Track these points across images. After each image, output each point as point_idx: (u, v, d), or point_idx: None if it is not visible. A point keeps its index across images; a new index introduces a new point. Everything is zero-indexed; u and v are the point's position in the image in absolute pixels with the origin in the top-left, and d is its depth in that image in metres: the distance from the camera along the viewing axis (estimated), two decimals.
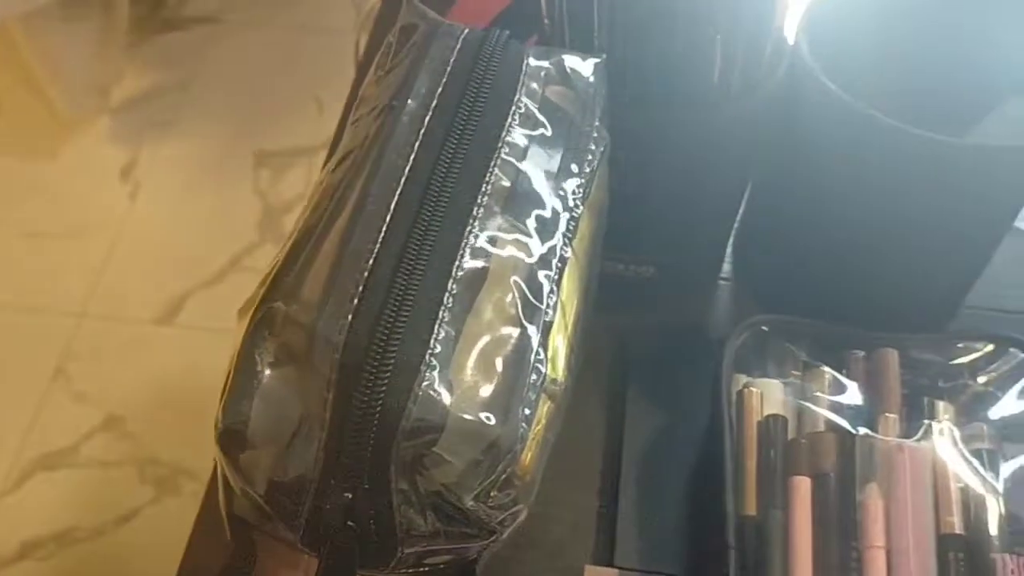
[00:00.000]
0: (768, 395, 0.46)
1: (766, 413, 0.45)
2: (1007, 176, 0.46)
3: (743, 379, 0.47)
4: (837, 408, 0.45)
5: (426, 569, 0.35)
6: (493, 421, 0.30)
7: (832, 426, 0.44)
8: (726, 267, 0.60)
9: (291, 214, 1.50)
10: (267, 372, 0.30)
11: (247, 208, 1.51)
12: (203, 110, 1.64)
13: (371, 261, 0.31)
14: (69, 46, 1.54)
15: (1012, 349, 0.47)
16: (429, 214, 0.32)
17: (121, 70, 1.65)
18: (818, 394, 0.46)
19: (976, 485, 0.42)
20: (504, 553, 0.47)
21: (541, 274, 0.34)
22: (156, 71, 1.69)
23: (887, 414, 0.44)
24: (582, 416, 0.53)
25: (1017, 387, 0.46)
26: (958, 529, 0.40)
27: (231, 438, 0.30)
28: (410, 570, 0.34)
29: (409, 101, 0.34)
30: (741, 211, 0.57)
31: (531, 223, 0.34)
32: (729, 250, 0.60)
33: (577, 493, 0.51)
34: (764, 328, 0.48)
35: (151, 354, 1.37)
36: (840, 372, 0.47)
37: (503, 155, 0.35)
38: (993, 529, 0.40)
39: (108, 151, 1.59)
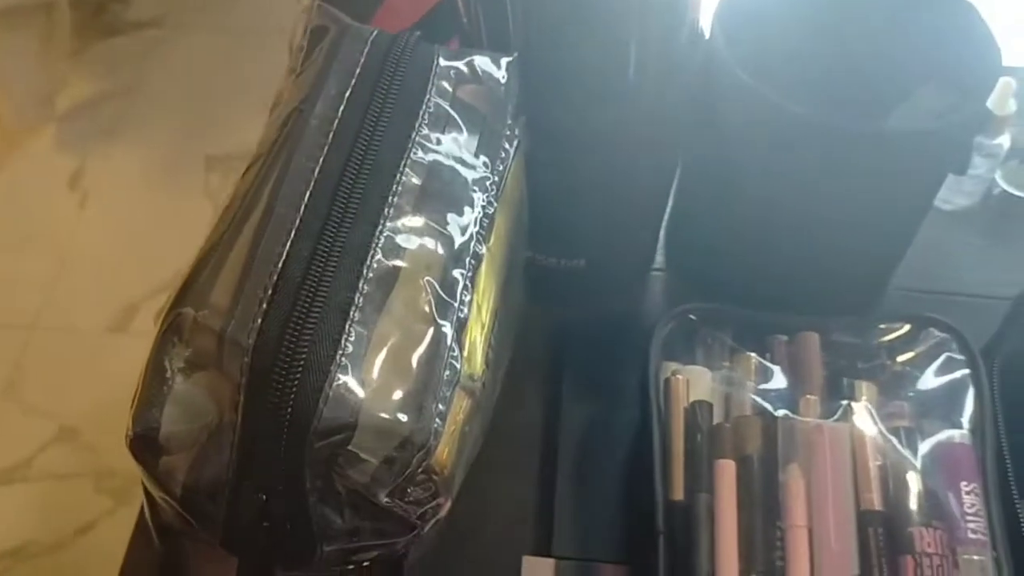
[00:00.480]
0: (695, 382, 0.47)
1: (692, 399, 0.46)
2: (917, 160, 0.48)
3: (672, 366, 0.48)
4: (762, 392, 0.46)
5: (352, 567, 0.35)
6: (406, 418, 0.31)
7: (758, 410, 0.45)
8: (659, 258, 0.61)
9: None
10: (178, 378, 0.30)
11: (198, 212, 1.50)
12: (150, 115, 1.62)
13: (280, 264, 0.31)
14: (11, 55, 1.52)
15: (930, 329, 0.48)
16: (339, 216, 0.33)
17: (65, 77, 1.63)
18: (744, 379, 0.47)
19: (894, 462, 0.43)
20: (443, 546, 0.47)
21: (454, 271, 0.34)
22: (101, 77, 1.67)
23: (808, 396, 0.45)
24: (519, 409, 0.54)
25: (935, 365, 0.47)
26: (877, 505, 0.41)
27: (143, 445, 0.30)
28: (336, 568, 0.35)
29: (318, 104, 0.35)
30: (671, 203, 0.58)
31: (443, 221, 0.35)
32: (662, 241, 0.61)
33: (515, 485, 0.52)
34: (692, 316, 0.49)
35: (105, 363, 1.35)
36: (765, 356, 0.48)
37: (414, 155, 0.35)
38: (911, 504, 0.42)
39: (55, 160, 1.56)
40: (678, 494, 0.43)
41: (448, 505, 0.35)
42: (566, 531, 0.49)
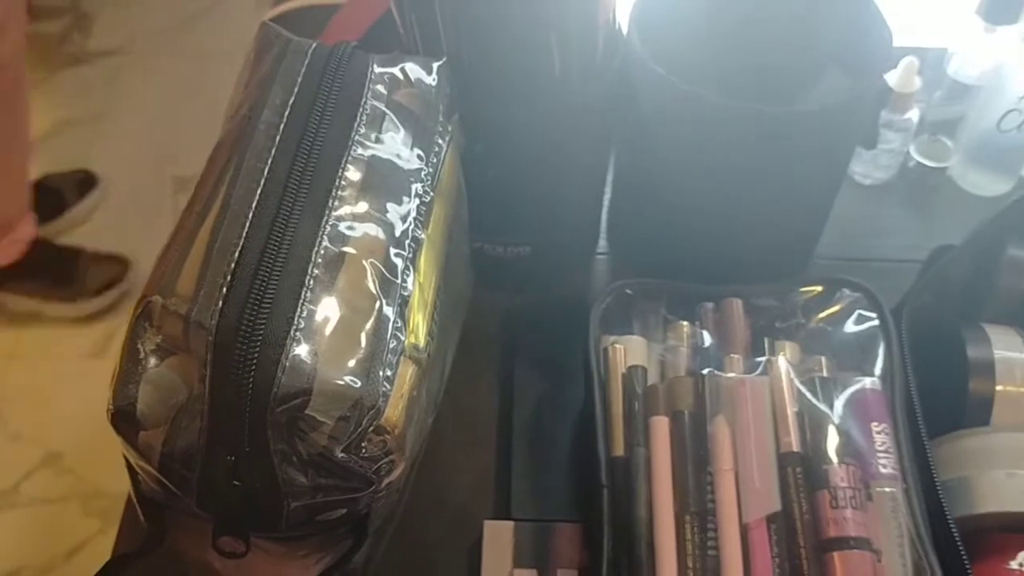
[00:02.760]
0: (632, 350, 0.51)
1: (629, 364, 0.50)
2: (823, 136, 0.52)
3: (611, 338, 0.52)
4: (693, 355, 0.51)
5: (320, 525, 0.39)
6: (357, 383, 0.35)
7: (690, 371, 0.50)
8: (603, 243, 0.65)
9: None
10: (151, 360, 0.34)
11: (169, 234, 1.53)
12: (117, 141, 1.65)
13: (237, 254, 0.35)
14: None
15: (843, 289, 0.52)
16: (288, 209, 0.37)
17: (30, 107, 1.66)
18: (678, 345, 0.51)
19: (810, 409, 0.47)
20: (412, 516, 0.51)
21: (396, 255, 0.38)
22: (66, 106, 1.70)
23: (732, 355, 0.50)
24: (477, 388, 0.58)
25: (848, 322, 0.52)
26: (795, 447, 0.46)
27: (123, 418, 0.34)
28: (303, 527, 0.38)
29: (264, 111, 0.39)
30: (610, 190, 0.63)
31: (384, 210, 0.39)
32: (604, 227, 0.65)
33: (476, 458, 0.56)
34: (628, 291, 0.54)
35: (86, 388, 1.37)
36: (695, 323, 0.52)
37: (354, 152, 0.39)
38: (826, 445, 0.46)
39: None
40: (619, 450, 0.47)
41: (403, 465, 0.39)
42: (523, 496, 0.53)
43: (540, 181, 0.55)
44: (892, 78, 0.62)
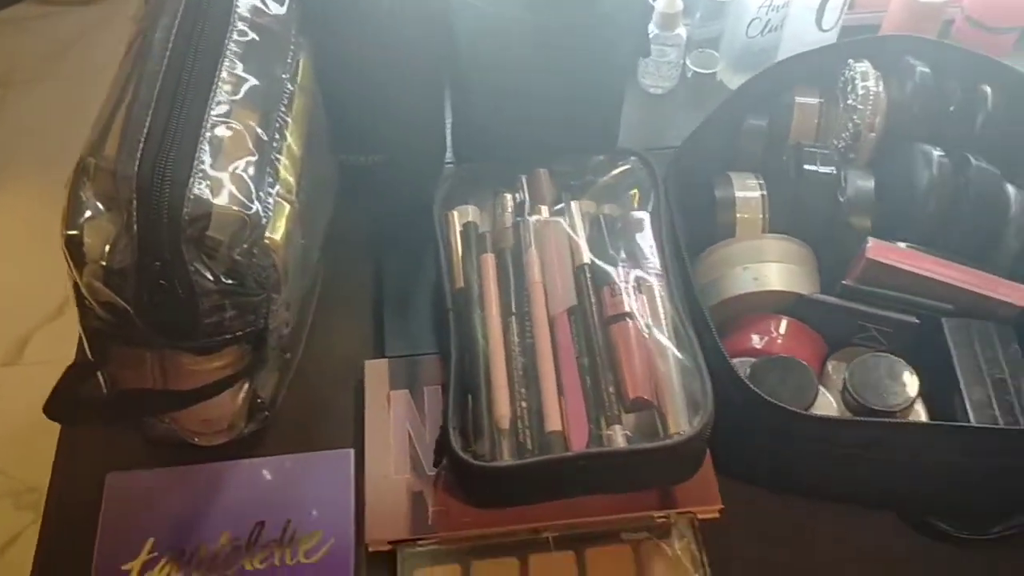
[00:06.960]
0: (465, 214, 0.66)
1: (463, 222, 0.65)
2: (597, 43, 0.68)
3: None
4: (515, 214, 0.66)
5: (229, 339, 0.52)
6: (251, 209, 0.49)
7: (512, 224, 0.65)
8: (450, 155, 0.80)
9: None
10: (89, 204, 0.47)
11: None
12: (14, 167, 1.69)
13: (146, 127, 0.49)
14: None
15: (626, 156, 0.69)
16: (182, 96, 0.50)
17: None
18: (503, 211, 0.67)
19: (597, 235, 0.63)
20: (307, 368, 0.65)
21: (266, 124, 0.53)
22: None
23: (540, 206, 0.65)
24: (354, 273, 0.72)
25: (629, 179, 0.68)
26: (586, 260, 0.61)
27: (73, 244, 0.47)
28: (216, 338, 0.52)
29: (157, 31, 0.52)
30: (452, 110, 0.77)
31: (254, 95, 0.53)
32: (450, 142, 0.80)
33: (357, 322, 0.70)
34: (463, 175, 0.69)
35: (2, 394, 1.43)
36: (515, 192, 0.68)
37: (229, 55, 0.53)
38: (607, 257, 0.62)
39: None
40: (459, 283, 0.62)
41: (287, 286, 0.53)
42: (394, 340, 0.67)
43: (386, 99, 0.69)
44: (659, 2, 0.79)
